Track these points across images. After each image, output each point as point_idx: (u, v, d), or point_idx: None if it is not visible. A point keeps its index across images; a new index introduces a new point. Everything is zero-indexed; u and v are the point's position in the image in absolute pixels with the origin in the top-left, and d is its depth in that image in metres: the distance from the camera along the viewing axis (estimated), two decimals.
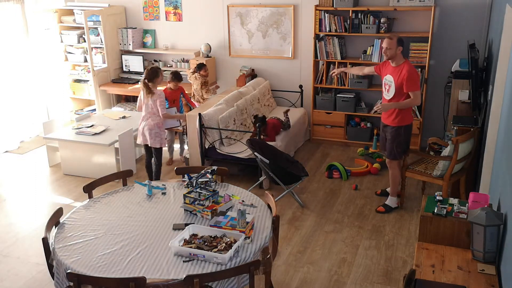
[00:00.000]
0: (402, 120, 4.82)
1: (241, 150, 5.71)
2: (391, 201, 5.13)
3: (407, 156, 5.04)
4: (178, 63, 7.64)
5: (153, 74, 5.24)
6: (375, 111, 4.97)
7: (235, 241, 3.07)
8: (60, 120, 6.91)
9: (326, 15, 6.57)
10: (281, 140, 6.04)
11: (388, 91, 4.81)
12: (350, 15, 6.47)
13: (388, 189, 5.36)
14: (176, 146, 6.74)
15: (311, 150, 6.83)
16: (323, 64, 6.88)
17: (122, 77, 7.97)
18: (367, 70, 5.30)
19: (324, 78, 6.87)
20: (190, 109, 6.39)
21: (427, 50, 6.19)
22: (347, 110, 6.82)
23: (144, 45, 7.94)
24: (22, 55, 7.34)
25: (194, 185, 3.61)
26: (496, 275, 2.75)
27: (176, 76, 6.08)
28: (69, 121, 7.50)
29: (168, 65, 7.80)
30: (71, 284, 2.84)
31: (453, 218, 3.13)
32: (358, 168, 6.12)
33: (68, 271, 2.87)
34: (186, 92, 6.47)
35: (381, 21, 6.36)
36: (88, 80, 7.97)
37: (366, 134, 6.82)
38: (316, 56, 6.80)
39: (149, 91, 5.23)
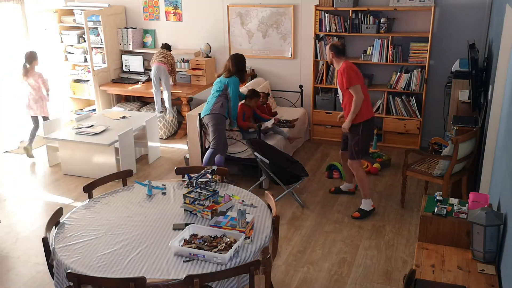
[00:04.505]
0: (358, 117, 4.81)
1: (241, 150, 5.70)
2: (365, 204, 5.03)
3: (368, 156, 5.04)
4: (178, 63, 7.64)
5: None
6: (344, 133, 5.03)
7: (235, 241, 3.07)
8: (60, 120, 6.90)
9: (326, 15, 6.57)
10: (281, 140, 6.03)
11: (339, 93, 5.00)
12: (350, 15, 6.47)
13: (342, 187, 5.46)
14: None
15: (311, 150, 6.83)
16: (323, 64, 6.88)
17: (122, 77, 7.96)
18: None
19: (324, 78, 6.87)
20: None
21: (427, 50, 6.19)
22: None
23: (144, 45, 7.94)
24: (22, 55, 7.32)
25: (194, 185, 3.61)
26: (496, 275, 2.75)
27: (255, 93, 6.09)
28: (69, 121, 7.49)
29: None
30: (71, 284, 2.84)
31: (453, 218, 3.13)
32: None
33: (68, 271, 2.87)
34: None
35: (381, 21, 6.36)
36: (88, 80, 7.97)
37: None
38: (316, 56, 6.80)
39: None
